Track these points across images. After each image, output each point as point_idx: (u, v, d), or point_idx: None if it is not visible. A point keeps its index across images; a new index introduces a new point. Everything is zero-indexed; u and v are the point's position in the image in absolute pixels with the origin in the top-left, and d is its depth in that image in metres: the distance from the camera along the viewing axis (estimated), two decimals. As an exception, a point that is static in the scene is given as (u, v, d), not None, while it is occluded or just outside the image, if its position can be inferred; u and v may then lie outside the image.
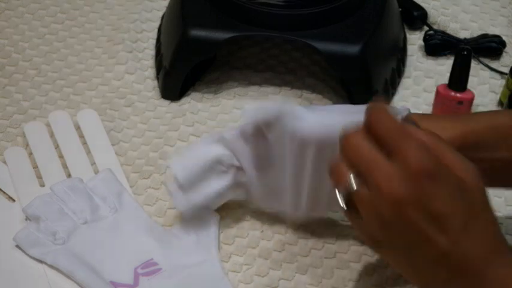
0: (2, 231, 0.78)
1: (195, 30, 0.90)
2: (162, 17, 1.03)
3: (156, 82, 0.96)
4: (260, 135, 0.75)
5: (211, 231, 0.78)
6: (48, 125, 0.89)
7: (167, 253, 0.76)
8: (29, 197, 0.79)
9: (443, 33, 1.02)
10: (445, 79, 0.91)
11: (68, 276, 0.74)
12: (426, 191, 0.57)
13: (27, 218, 0.78)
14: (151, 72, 0.98)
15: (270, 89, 0.95)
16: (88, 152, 0.87)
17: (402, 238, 0.59)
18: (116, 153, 0.87)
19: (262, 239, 0.79)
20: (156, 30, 1.03)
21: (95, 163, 0.85)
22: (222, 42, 0.89)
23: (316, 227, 0.80)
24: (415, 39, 1.04)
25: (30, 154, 0.86)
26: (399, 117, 0.69)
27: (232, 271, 0.76)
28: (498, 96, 0.95)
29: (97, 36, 1.03)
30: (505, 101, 0.91)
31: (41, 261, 0.75)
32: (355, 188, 0.60)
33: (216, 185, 0.77)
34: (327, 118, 0.72)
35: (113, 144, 0.88)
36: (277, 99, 0.71)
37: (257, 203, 0.80)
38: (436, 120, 0.72)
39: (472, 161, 0.62)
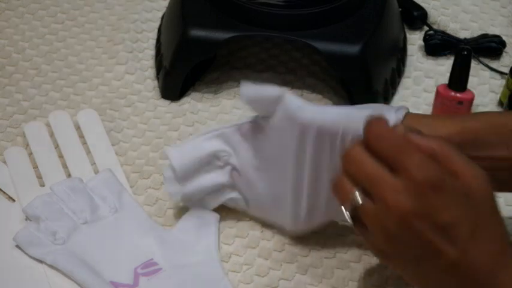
0: (2, 231, 0.78)
1: (195, 30, 0.90)
2: (162, 17, 1.03)
3: (156, 82, 0.96)
4: (259, 130, 0.75)
5: (211, 231, 0.78)
6: (48, 125, 0.89)
7: (167, 253, 0.76)
8: (29, 197, 0.79)
9: (443, 33, 1.02)
10: (445, 79, 0.91)
11: (68, 276, 0.74)
12: (432, 202, 0.57)
13: (27, 218, 0.78)
14: (151, 72, 0.98)
15: (270, 89, 0.95)
16: (88, 152, 0.87)
17: (410, 250, 0.59)
18: (116, 153, 0.87)
19: (262, 239, 0.79)
20: (156, 30, 1.03)
21: (95, 163, 0.85)
22: (222, 42, 0.89)
23: (316, 227, 0.80)
24: (415, 39, 1.04)
25: (30, 154, 0.86)
26: (399, 119, 0.69)
27: (232, 271, 0.76)
28: (498, 96, 0.95)
29: (97, 36, 1.03)
30: (505, 101, 0.91)
31: (41, 261, 0.75)
32: (360, 202, 0.60)
33: (211, 179, 0.77)
34: (326, 108, 0.72)
35: (113, 144, 0.88)
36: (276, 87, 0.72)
37: (254, 212, 0.79)
38: (436, 118, 0.72)
39: (472, 159, 0.63)
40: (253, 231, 0.80)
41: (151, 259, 0.75)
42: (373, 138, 0.60)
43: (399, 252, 0.60)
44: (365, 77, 0.90)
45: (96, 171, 0.84)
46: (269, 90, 0.72)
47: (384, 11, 0.94)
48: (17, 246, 0.76)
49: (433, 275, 0.59)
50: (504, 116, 0.74)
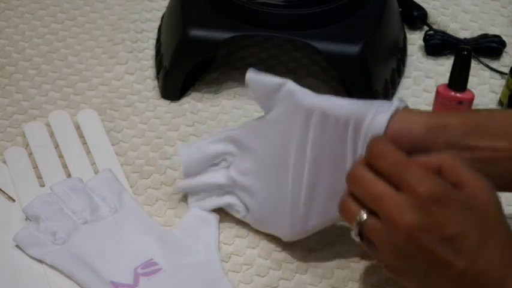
0: (2, 231, 0.78)
1: (195, 30, 0.90)
2: (162, 17, 1.03)
3: (156, 82, 0.96)
4: (261, 129, 0.75)
5: (211, 231, 0.78)
6: (48, 125, 0.89)
7: (167, 253, 0.76)
8: (29, 197, 0.79)
9: (443, 33, 1.02)
10: (445, 79, 0.91)
11: (68, 276, 0.74)
12: (437, 216, 0.58)
13: (27, 218, 0.78)
14: (151, 72, 0.98)
15: (270, 89, 0.95)
16: (88, 152, 0.87)
17: (418, 264, 0.60)
18: (116, 153, 0.87)
19: (262, 239, 0.79)
20: (156, 30, 1.03)
21: (95, 163, 0.85)
22: (222, 42, 0.89)
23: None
24: (415, 39, 1.04)
25: (30, 154, 0.86)
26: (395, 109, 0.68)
27: (232, 271, 0.76)
28: (498, 96, 0.95)
29: (97, 36, 1.03)
30: (505, 101, 0.91)
31: (41, 261, 0.75)
32: (366, 221, 0.61)
33: (211, 177, 0.78)
34: (329, 96, 0.72)
35: (113, 144, 0.88)
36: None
37: (251, 222, 0.79)
38: (436, 112, 0.72)
39: (472, 150, 0.63)
40: (253, 231, 0.80)
41: (151, 259, 0.75)
42: (374, 157, 0.62)
43: (408, 267, 0.61)
44: (365, 77, 0.90)
45: (96, 171, 0.84)
46: (273, 78, 0.73)
47: (384, 11, 0.94)
48: (17, 246, 0.76)
49: (442, 286, 0.60)
50: (506, 110, 0.75)
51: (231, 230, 0.80)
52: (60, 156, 0.86)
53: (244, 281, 0.76)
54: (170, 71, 0.93)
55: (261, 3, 0.90)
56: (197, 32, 0.90)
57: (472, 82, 0.94)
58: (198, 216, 0.79)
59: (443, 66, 1.00)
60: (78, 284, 0.73)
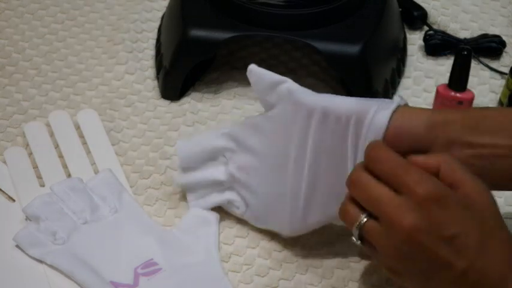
0: (2, 231, 0.78)
1: (195, 30, 0.90)
2: (162, 17, 1.03)
3: (156, 82, 0.96)
4: (263, 126, 0.75)
5: (211, 231, 0.78)
6: (48, 125, 0.89)
7: (167, 253, 0.76)
8: (29, 197, 0.79)
9: (443, 33, 1.02)
10: (445, 79, 0.91)
11: (68, 276, 0.74)
12: (436, 216, 0.58)
13: (27, 218, 0.78)
14: (151, 72, 0.98)
15: (270, 89, 0.95)
16: (88, 152, 0.87)
17: (419, 265, 0.60)
18: (116, 153, 0.87)
19: (262, 239, 0.79)
20: (156, 30, 1.03)
21: (95, 163, 0.85)
22: (222, 42, 0.89)
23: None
24: (415, 39, 1.04)
25: (30, 154, 0.86)
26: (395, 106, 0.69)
27: (232, 271, 0.76)
28: (498, 96, 0.95)
29: (97, 36, 1.03)
30: (505, 101, 0.91)
31: (41, 261, 0.75)
32: (366, 224, 0.61)
33: (211, 173, 0.78)
34: (330, 95, 0.72)
35: (113, 144, 0.88)
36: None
37: (251, 219, 0.79)
38: (436, 110, 0.72)
39: (473, 147, 0.63)
40: (253, 231, 0.80)
41: (151, 259, 0.75)
42: (372, 161, 0.62)
43: (409, 269, 0.61)
44: (365, 77, 0.90)
45: (96, 171, 0.84)
46: (274, 74, 0.74)
47: (384, 11, 0.94)
48: (17, 246, 0.76)
49: (443, 287, 0.60)
50: (506, 108, 0.74)
51: (231, 230, 0.80)
52: (60, 156, 0.86)
53: (244, 281, 0.76)
54: (170, 71, 0.93)
55: (261, 3, 0.90)
56: (197, 32, 0.90)
57: (472, 82, 0.94)
58: (198, 216, 0.79)
59: (443, 66, 1.00)
60: (78, 284, 0.74)
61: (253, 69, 0.75)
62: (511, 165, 0.66)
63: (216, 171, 0.78)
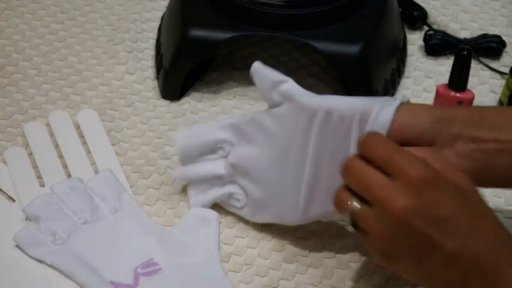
0: (2, 231, 0.78)
1: (195, 30, 0.90)
2: (162, 17, 1.03)
3: (156, 82, 0.96)
4: (266, 122, 0.75)
5: (211, 231, 0.78)
6: (48, 125, 0.89)
7: (167, 253, 0.76)
8: (29, 197, 0.79)
9: (443, 33, 1.02)
10: (445, 79, 0.91)
11: (68, 277, 0.74)
12: (428, 198, 0.59)
13: (27, 218, 0.78)
14: (151, 72, 0.98)
15: (270, 89, 0.95)
16: (88, 152, 0.87)
17: (411, 248, 0.60)
18: (116, 153, 0.87)
19: (262, 239, 0.79)
20: (156, 30, 1.03)
21: (95, 163, 0.85)
22: (222, 42, 0.89)
23: (316, 227, 0.80)
24: (415, 39, 1.04)
25: (30, 154, 0.86)
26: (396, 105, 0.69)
27: (232, 271, 0.76)
28: (498, 96, 0.95)
29: (97, 36, 1.03)
30: (505, 101, 0.91)
31: (41, 261, 0.75)
32: (358, 208, 0.61)
33: (211, 166, 0.79)
34: (332, 96, 0.73)
35: (113, 144, 0.88)
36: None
37: (251, 215, 0.79)
38: (439, 106, 0.73)
39: (477, 142, 0.64)
40: (253, 231, 0.80)
41: (151, 259, 0.75)
42: (364, 147, 0.63)
43: (401, 252, 0.61)
44: (365, 77, 0.90)
45: (96, 171, 0.84)
46: (277, 73, 0.74)
47: (384, 11, 0.94)
48: (17, 246, 0.76)
49: (435, 271, 0.60)
50: (509, 107, 0.74)
51: (231, 230, 0.80)
52: (60, 156, 0.86)
53: (244, 281, 0.76)
54: (170, 71, 0.93)
55: (261, 3, 0.90)
56: (197, 32, 0.90)
57: (472, 82, 0.94)
58: (198, 216, 0.79)
59: (443, 66, 1.00)
60: (78, 284, 0.74)
61: (257, 67, 0.75)
62: None
63: (216, 166, 0.78)
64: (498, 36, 1.02)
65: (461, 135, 0.66)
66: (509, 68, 0.93)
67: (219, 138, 0.78)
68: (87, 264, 0.74)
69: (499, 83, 0.98)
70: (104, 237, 0.77)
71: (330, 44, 0.88)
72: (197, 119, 0.92)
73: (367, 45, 0.89)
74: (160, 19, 1.04)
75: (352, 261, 0.78)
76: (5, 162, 0.85)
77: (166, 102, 0.94)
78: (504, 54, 1.02)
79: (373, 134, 0.63)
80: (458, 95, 0.89)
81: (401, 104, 0.68)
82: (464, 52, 0.88)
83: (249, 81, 0.94)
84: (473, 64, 0.94)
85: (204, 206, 0.80)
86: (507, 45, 1.02)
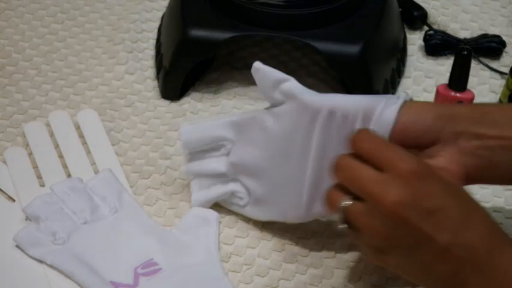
0: (2, 231, 0.78)
1: (195, 30, 0.90)
2: (162, 17, 1.03)
3: (156, 82, 0.96)
4: (268, 120, 0.75)
5: (211, 231, 0.78)
6: (48, 125, 0.89)
7: (167, 253, 0.76)
8: (29, 197, 0.79)
9: (443, 33, 1.02)
10: (445, 79, 0.91)
11: (68, 277, 0.74)
12: (419, 190, 0.59)
13: (27, 218, 0.78)
14: (151, 72, 0.98)
15: (270, 89, 0.95)
16: (88, 152, 0.87)
17: (403, 242, 0.60)
18: (116, 153, 0.87)
19: (262, 239, 0.79)
20: (156, 30, 1.03)
21: (95, 163, 0.85)
22: (222, 42, 0.89)
23: (316, 227, 0.80)
24: (415, 39, 1.04)
25: (30, 154, 0.86)
26: (399, 104, 0.69)
27: (232, 271, 0.76)
28: (498, 96, 0.95)
29: (97, 36, 1.03)
30: (505, 101, 0.91)
31: (41, 261, 0.75)
32: (350, 204, 0.61)
33: (214, 163, 0.79)
34: (334, 94, 0.73)
35: (113, 144, 0.88)
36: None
37: (253, 212, 0.79)
38: (441, 103, 0.73)
39: (480, 138, 0.65)
40: (253, 231, 0.80)
41: (151, 259, 0.75)
42: (355, 143, 0.63)
43: (393, 247, 0.61)
44: (365, 77, 0.90)
45: (96, 171, 0.84)
46: (278, 72, 0.74)
47: (384, 11, 0.94)
48: (17, 246, 0.76)
49: (428, 265, 0.60)
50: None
51: (231, 230, 0.80)
52: (60, 156, 0.86)
53: (244, 281, 0.76)
54: (170, 71, 0.93)
55: (261, 3, 0.90)
56: (197, 32, 0.90)
57: (472, 82, 0.94)
58: (198, 216, 0.79)
59: (443, 66, 1.00)
60: (78, 284, 0.74)
61: (258, 66, 0.75)
62: None
63: (218, 164, 0.79)
64: (498, 36, 1.02)
65: (465, 132, 0.66)
66: (509, 68, 0.93)
67: (220, 136, 0.78)
68: (87, 264, 0.74)
69: (499, 83, 0.98)
70: (104, 237, 0.77)
71: (330, 44, 0.88)
72: (197, 119, 0.92)
73: (367, 45, 0.89)
74: (160, 19, 1.04)
75: (352, 261, 0.78)
76: (5, 162, 0.85)
77: (166, 102, 0.94)
78: (504, 54, 1.02)
79: (362, 131, 0.64)
80: (458, 95, 0.88)
81: (405, 102, 0.68)
82: (464, 52, 0.87)
83: (249, 81, 0.94)
84: (473, 64, 0.94)
85: (206, 202, 0.80)
86: (507, 45, 1.02)
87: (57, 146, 0.87)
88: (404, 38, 1.02)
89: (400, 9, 1.02)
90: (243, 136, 0.77)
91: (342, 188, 0.63)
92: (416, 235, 0.59)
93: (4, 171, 0.84)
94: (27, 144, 0.87)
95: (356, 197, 0.61)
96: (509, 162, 0.66)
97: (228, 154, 0.78)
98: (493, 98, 0.96)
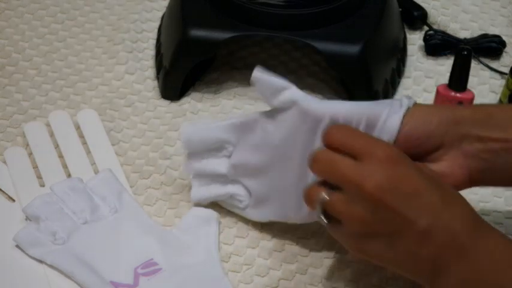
0: (2, 231, 0.78)
1: (195, 30, 0.90)
2: (162, 17, 1.03)
3: (156, 82, 0.96)
4: (270, 122, 0.75)
5: (211, 231, 0.78)
6: (48, 125, 0.89)
7: (167, 253, 0.76)
8: (29, 197, 0.79)
9: (443, 33, 1.02)
10: (445, 79, 0.91)
11: (68, 277, 0.74)
12: (398, 173, 0.60)
13: (27, 218, 0.78)
14: (151, 72, 0.98)
15: (270, 89, 0.95)
16: (88, 152, 0.87)
17: (383, 226, 0.60)
18: (116, 153, 0.87)
19: (262, 239, 0.79)
20: (156, 30, 1.03)
21: (95, 163, 0.85)
22: (222, 42, 0.89)
23: (316, 227, 0.80)
24: (415, 39, 1.04)
25: (30, 154, 0.86)
26: (404, 109, 0.69)
27: (232, 271, 0.76)
28: (498, 96, 0.95)
29: (97, 36, 1.03)
30: (505, 100, 0.91)
31: (41, 261, 0.75)
32: (327, 198, 0.62)
33: (215, 165, 0.78)
34: (335, 101, 0.73)
35: (113, 144, 0.88)
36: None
37: (254, 214, 0.79)
38: (448, 105, 0.73)
39: (484, 141, 0.65)
40: (253, 231, 0.80)
41: (151, 259, 0.75)
42: (328, 136, 0.64)
43: (374, 232, 0.61)
44: (365, 77, 0.90)
45: (96, 171, 0.84)
46: (278, 80, 0.73)
47: (384, 11, 0.94)
48: (17, 246, 0.76)
49: (408, 250, 0.60)
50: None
51: (231, 230, 0.80)
52: (60, 156, 0.86)
53: (244, 281, 0.76)
54: (170, 71, 0.93)
55: (261, 3, 0.90)
56: (197, 32, 0.90)
57: (472, 82, 0.94)
58: (198, 216, 0.79)
59: (443, 66, 1.00)
60: (78, 284, 0.74)
61: (257, 76, 0.74)
62: None
63: (219, 165, 0.78)
64: (498, 36, 1.02)
65: (469, 135, 0.66)
66: (509, 68, 0.93)
67: (222, 139, 0.78)
68: (87, 264, 0.74)
69: (499, 83, 0.98)
70: (104, 237, 0.77)
71: (330, 44, 0.88)
72: (197, 119, 0.92)
73: (367, 45, 0.89)
74: (160, 19, 1.04)
75: (352, 261, 0.78)
76: (5, 162, 0.85)
77: (166, 102, 0.94)
78: (504, 54, 1.02)
79: (333, 125, 0.65)
80: (458, 95, 0.88)
81: (408, 108, 0.68)
82: (464, 52, 0.87)
83: (249, 81, 0.93)
84: (473, 64, 0.94)
85: (205, 200, 0.80)
86: (507, 45, 1.02)
87: (57, 146, 0.87)
88: (404, 38, 1.02)
89: (400, 9, 1.02)
90: (245, 139, 0.77)
91: (319, 185, 0.63)
92: (397, 219, 0.59)
93: (4, 171, 0.84)
94: (27, 144, 0.87)
95: (334, 188, 0.62)
96: (510, 164, 0.66)
97: (229, 156, 0.78)
98: (493, 98, 0.96)
